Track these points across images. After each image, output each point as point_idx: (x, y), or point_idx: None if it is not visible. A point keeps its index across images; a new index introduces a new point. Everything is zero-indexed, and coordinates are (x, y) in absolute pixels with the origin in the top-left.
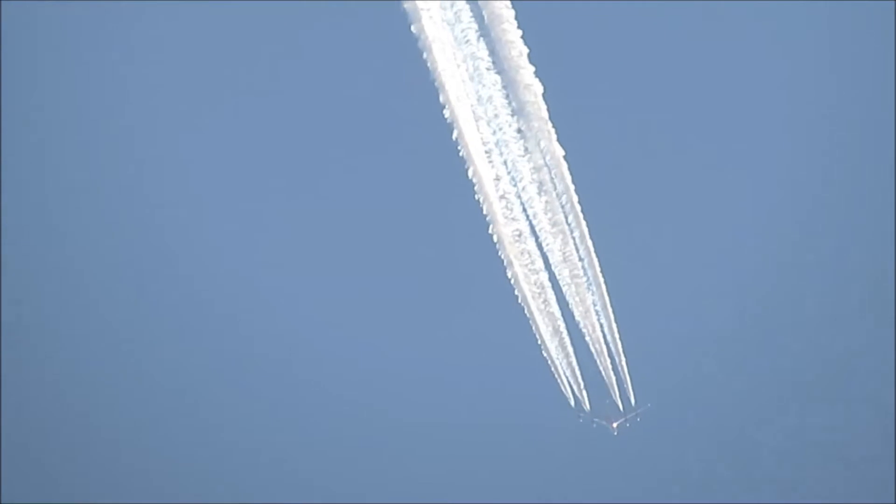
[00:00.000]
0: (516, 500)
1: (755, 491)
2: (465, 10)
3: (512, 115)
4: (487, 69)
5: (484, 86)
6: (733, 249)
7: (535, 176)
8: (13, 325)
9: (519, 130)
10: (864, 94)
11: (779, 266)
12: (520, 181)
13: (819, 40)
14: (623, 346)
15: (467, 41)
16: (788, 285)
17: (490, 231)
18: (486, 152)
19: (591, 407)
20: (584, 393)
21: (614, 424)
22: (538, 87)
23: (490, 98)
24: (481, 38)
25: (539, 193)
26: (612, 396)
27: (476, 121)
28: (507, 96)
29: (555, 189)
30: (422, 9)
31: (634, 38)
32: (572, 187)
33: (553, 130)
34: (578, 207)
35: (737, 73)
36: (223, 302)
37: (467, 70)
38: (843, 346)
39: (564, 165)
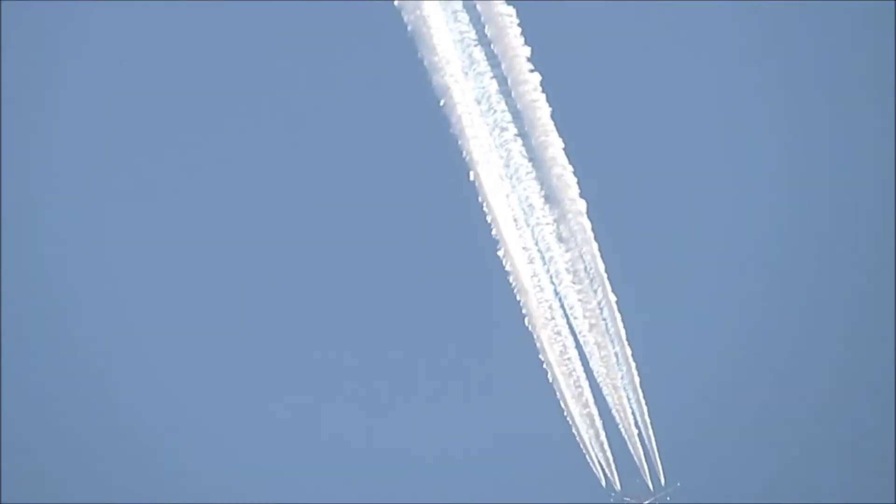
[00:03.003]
0: None
1: None
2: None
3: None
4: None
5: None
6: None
7: (568, 262)
8: None
9: (555, 221)
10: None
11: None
12: (552, 266)
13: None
14: (653, 427)
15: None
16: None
17: (522, 313)
18: (524, 248)
19: (621, 487)
20: (615, 472)
21: (645, 503)
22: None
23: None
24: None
25: (573, 281)
26: (642, 476)
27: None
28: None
29: (588, 275)
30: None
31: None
32: (604, 271)
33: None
34: (609, 288)
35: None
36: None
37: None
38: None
39: (595, 246)
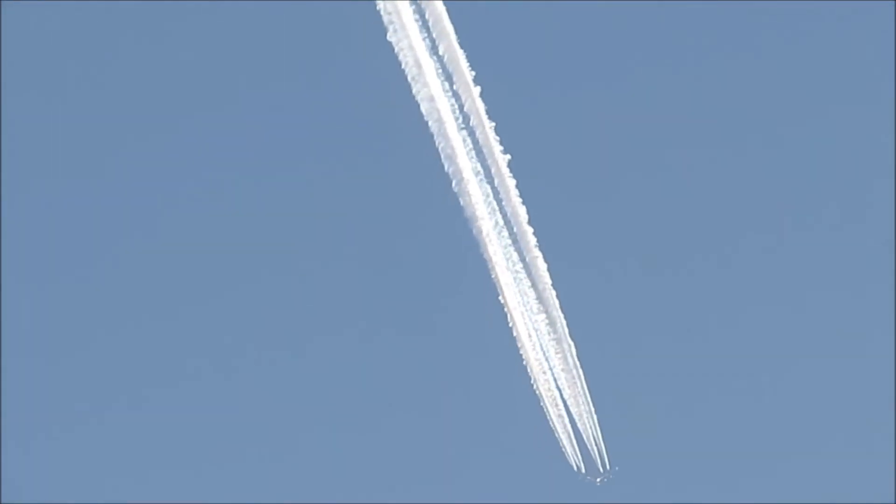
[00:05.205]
0: None
1: None
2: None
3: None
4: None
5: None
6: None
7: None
8: None
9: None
10: None
11: None
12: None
13: None
14: (600, 423)
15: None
16: None
17: (519, 352)
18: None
19: (585, 469)
20: (580, 457)
21: (598, 480)
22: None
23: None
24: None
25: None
26: (595, 461)
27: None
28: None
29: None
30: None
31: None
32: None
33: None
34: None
35: None
36: None
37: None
38: None
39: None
